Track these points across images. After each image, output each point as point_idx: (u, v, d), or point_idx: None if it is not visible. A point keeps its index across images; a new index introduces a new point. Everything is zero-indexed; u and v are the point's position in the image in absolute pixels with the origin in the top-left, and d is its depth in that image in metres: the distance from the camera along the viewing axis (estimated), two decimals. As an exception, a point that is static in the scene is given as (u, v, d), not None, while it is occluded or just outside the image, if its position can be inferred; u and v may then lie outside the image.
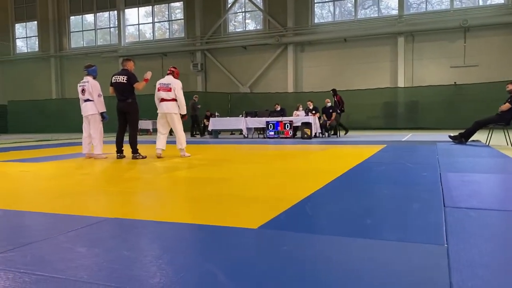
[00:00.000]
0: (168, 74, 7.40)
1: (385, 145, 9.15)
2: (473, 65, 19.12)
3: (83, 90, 7.46)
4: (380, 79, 20.53)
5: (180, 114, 7.38)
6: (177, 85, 7.23)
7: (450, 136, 9.65)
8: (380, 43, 20.59)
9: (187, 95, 20.89)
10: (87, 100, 7.44)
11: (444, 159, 6.17)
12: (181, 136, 7.36)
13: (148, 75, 7.25)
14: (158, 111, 7.36)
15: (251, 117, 14.76)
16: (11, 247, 2.17)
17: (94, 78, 7.56)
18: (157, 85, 7.31)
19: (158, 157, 7.19)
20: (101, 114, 7.48)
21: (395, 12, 20.64)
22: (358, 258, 1.98)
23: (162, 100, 7.24)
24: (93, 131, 7.46)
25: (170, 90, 7.19)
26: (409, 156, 6.98)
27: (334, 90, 14.94)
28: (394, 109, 20.06)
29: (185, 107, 7.34)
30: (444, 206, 3.00)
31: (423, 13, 20.22)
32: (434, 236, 2.27)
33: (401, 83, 20.08)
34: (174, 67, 7.57)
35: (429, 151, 7.67)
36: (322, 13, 22.55)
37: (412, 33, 19.92)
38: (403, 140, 11.43)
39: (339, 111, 13.97)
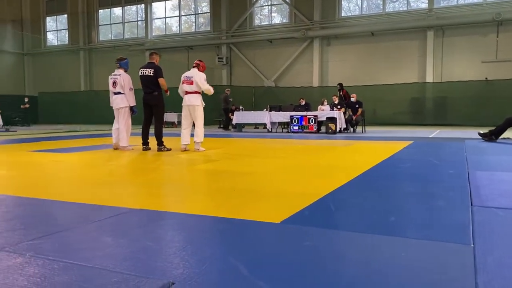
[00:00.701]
0: (193, 67, 7.41)
1: (412, 142, 8.99)
2: (506, 60, 18.50)
3: (114, 83, 7.53)
4: (408, 74, 20.11)
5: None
6: (199, 77, 7.22)
7: (479, 134, 9.40)
8: (408, 37, 20.15)
9: (214, 88, 21.03)
10: (118, 93, 7.52)
11: (472, 157, 6.02)
12: (200, 129, 7.30)
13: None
14: (182, 104, 7.40)
15: (276, 111, 14.72)
16: (41, 235, 2.24)
17: (126, 71, 7.63)
18: (182, 78, 7.37)
19: (184, 150, 7.26)
20: (131, 108, 7.58)
21: (424, 5, 20.14)
22: (382, 255, 1.96)
23: (186, 92, 7.30)
24: (121, 124, 7.58)
25: (192, 83, 7.21)
26: (436, 153, 6.84)
27: (340, 85, 14.84)
28: (422, 105, 19.64)
29: (211, 90, 7.40)
30: (471, 205, 2.94)
31: (454, 6, 19.66)
32: (460, 235, 2.22)
33: (429, 78, 19.62)
34: (200, 60, 7.55)
35: (457, 148, 7.49)
36: (349, 6, 22.22)
37: (442, 27, 19.41)
38: (430, 136, 11.21)
39: (345, 106, 13.81)
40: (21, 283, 1.59)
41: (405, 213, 2.87)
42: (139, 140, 7.77)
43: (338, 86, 14.89)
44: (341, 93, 14.37)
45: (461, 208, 2.86)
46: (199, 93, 7.28)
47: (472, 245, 2.06)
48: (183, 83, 7.31)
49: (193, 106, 7.23)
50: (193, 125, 7.49)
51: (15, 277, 1.64)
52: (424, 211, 2.87)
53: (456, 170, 4.73)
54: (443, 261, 1.87)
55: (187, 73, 7.36)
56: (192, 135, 7.43)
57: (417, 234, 2.28)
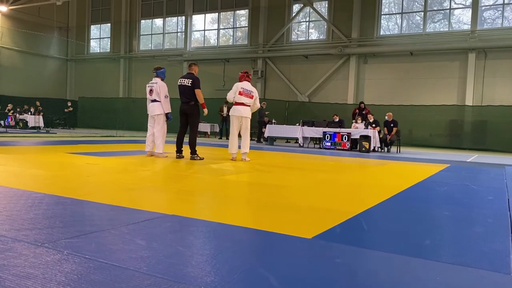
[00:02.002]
0: (247, 81, 7.78)
1: (448, 165, 8.74)
2: (551, 86, 17.80)
3: (151, 91, 7.75)
4: (447, 96, 19.63)
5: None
6: (257, 94, 7.78)
7: (520, 160, 9.05)
8: (448, 59, 19.72)
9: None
10: (154, 100, 7.72)
11: (513, 184, 5.79)
12: (247, 141, 7.76)
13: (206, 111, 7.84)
14: (233, 113, 7.69)
15: (308, 126, 14.67)
16: (78, 234, 2.31)
17: (162, 80, 7.84)
18: (240, 89, 7.60)
19: (233, 160, 7.67)
20: (166, 114, 7.74)
21: (467, 27, 19.69)
22: (416, 278, 1.91)
23: (241, 104, 7.61)
24: (157, 131, 7.75)
25: (252, 97, 7.65)
26: (474, 178, 6.62)
27: (363, 103, 15.14)
28: (460, 128, 19.08)
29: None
30: (511, 233, 2.82)
31: (498, 28, 19.14)
32: (500, 264, 2.14)
33: (469, 101, 19.09)
34: (248, 71, 8.06)
35: (497, 174, 7.23)
36: (389, 25, 22.00)
37: (484, 50, 18.90)
38: (468, 161, 10.87)
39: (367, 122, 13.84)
40: (59, 278, 1.64)
41: (440, 237, 2.79)
42: (173, 148, 7.90)
43: (362, 104, 14.96)
44: (364, 112, 14.37)
45: (501, 236, 2.75)
46: (250, 106, 7.72)
47: (513, 274, 1.97)
48: (241, 94, 7.59)
49: (246, 118, 7.66)
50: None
51: (54, 273, 1.70)
52: (461, 236, 2.78)
53: (495, 196, 4.57)
54: (481, 289, 1.81)
55: (245, 86, 7.66)
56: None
57: (454, 259, 2.21)
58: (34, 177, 4.65)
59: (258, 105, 7.88)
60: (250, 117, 7.75)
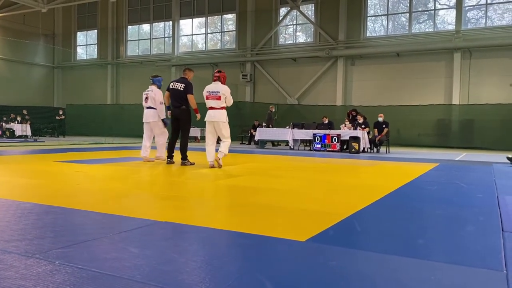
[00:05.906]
0: (214, 81, 7.07)
1: (437, 164, 8.82)
2: (535, 83, 18.08)
3: (146, 98, 7.84)
4: (434, 95, 19.85)
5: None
6: (227, 92, 6.96)
7: (508, 158, 9.17)
8: (434, 59, 19.94)
9: (236, 104, 21.22)
10: (149, 107, 7.78)
11: (501, 181, 5.86)
12: (226, 144, 7.09)
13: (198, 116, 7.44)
14: (205, 119, 7.08)
15: (298, 129, 14.71)
16: (69, 243, 2.28)
17: (158, 87, 7.93)
18: (205, 93, 7.04)
19: (211, 167, 6.97)
20: (162, 120, 7.81)
21: (451, 27, 19.95)
22: (410, 278, 1.92)
23: (211, 108, 7.00)
24: (157, 135, 7.93)
25: (219, 98, 6.91)
26: (463, 176, 6.69)
27: (355, 110, 15.26)
28: (448, 127, 19.30)
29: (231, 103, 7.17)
30: (502, 230, 2.85)
31: (482, 28, 19.41)
32: (492, 261, 2.16)
33: (455, 100, 19.31)
34: (219, 71, 7.18)
35: (485, 172, 7.31)
36: (375, 27, 22.20)
37: (469, 49, 19.15)
38: (456, 159, 10.98)
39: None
40: (52, 290, 1.61)
41: (433, 236, 2.81)
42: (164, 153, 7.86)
43: (354, 112, 15.07)
44: (356, 119, 14.51)
45: (492, 233, 2.78)
46: (225, 108, 7.02)
47: (505, 271, 1.99)
48: (207, 98, 7.02)
49: (219, 123, 6.96)
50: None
51: (45, 284, 1.67)
52: (453, 235, 2.80)
53: (485, 194, 4.61)
54: (475, 286, 1.82)
55: (211, 88, 7.01)
56: (216, 150, 7.28)
57: (447, 258, 2.22)
58: (23, 186, 4.59)
59: (231, 102, 7.04)
60: (225, 120, 6.98)
